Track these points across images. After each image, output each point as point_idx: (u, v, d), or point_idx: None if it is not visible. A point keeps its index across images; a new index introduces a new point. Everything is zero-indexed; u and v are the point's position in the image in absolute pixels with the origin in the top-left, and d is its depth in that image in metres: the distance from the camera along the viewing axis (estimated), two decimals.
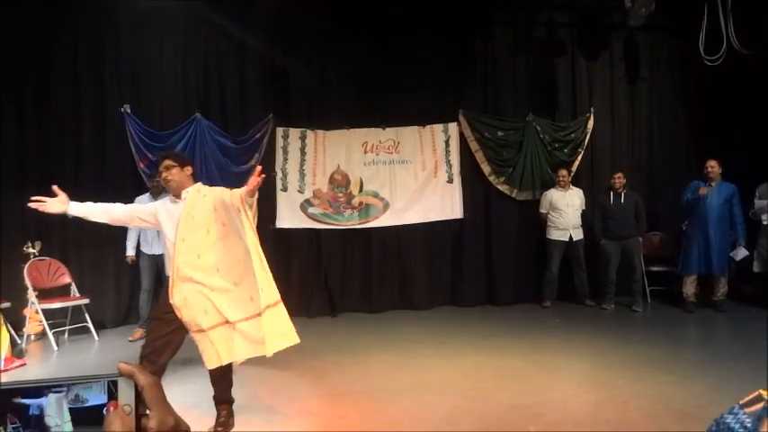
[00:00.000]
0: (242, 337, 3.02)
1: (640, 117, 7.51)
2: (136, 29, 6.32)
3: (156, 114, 6.40)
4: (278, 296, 3.08)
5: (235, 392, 4.09)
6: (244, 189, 2.98)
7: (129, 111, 6.19)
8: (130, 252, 5.73)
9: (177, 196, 3.24)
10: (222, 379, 3.38)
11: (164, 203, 3.32)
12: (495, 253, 7.00)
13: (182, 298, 3.07)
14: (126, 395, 0.60)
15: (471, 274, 6.96)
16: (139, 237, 5.73)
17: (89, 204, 3.20)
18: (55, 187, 3.08)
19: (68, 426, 0.60)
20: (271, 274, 3.05)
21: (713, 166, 6.27)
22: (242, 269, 3.05)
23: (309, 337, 5.68)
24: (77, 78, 6.18)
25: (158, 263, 5.60)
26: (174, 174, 3.21)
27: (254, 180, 2.94)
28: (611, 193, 6.63)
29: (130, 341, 5.50)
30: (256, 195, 3.02)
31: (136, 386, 0.60)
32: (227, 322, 3.04)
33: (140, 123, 6.21)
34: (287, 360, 4.81)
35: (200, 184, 3.32)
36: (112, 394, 0.61)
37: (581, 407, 3.73)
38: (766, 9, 6.13)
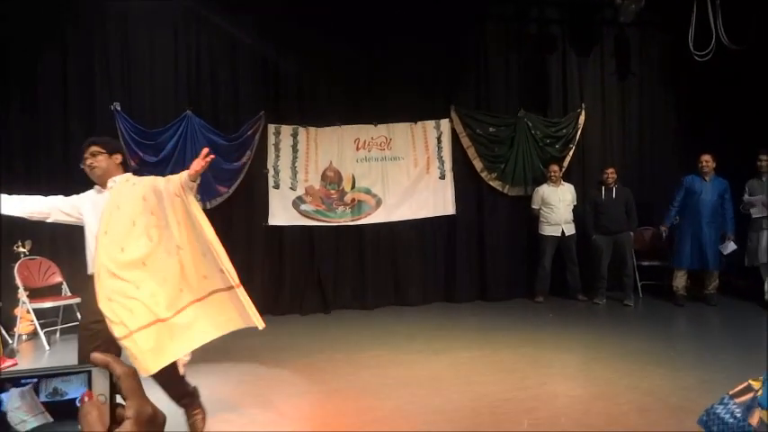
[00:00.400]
0: (180, 330, 2.83)
1: (631, 112, 7.55)
2: (125, 25, 6.27)
3: (147, 112, 6.35)
4: (231, 281, 2.97)
5: (228, 390, 4.09)
6: (185, 173, 2.85)
7: (119, 108, 6.15)
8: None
9: (103, 185, 3.00)
10: (169, 380, 3.02)
11: (88, 195, 3.07)
12: (488, 249, 7.02)
13: (105, 298, 2.76)
14: (100, 385, 0.59)
15: (464, 269, 6.98)
16: None
17: (2, 196, 2.95)
18: None
19: (33, 422, 0.58)
20: (225, 258, 2.97)
21: (708, 161, 6.31)
22: (177, 260, 2.90)
23: (303, 334, 5.71)
24: (65, 76, 6.13)
25: None
26: (100, 161, 2.96)
27: (199, 162, 2.80)
28: (603, 188, 6.67)
29: None
30: (198, 180, 2.88)
31: (111, 376, 0.60)
32: (159, 320, 2.80)
33: (131, 121, 6.17)
34: (280, 357, 4.82)
35: (129, 173, 3.09)
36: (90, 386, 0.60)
37: (573, 401, 3.76)
38: (755, 4, 6.18)
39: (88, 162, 2.97)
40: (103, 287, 2.78)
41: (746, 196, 6.31)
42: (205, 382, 4.22)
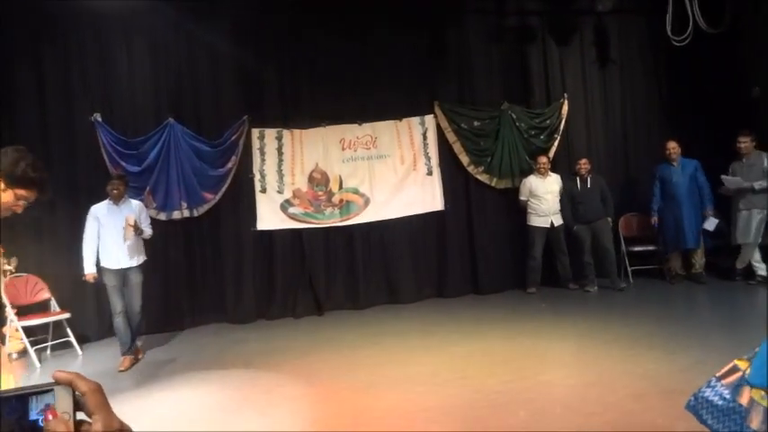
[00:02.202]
0: None
1: (613, 100, 7.60)
2: (102, 33, 6.19)
3: (128, 121, 6.28)
4: None
5: (224, 397, 4.06)
6: None
7: (99, 119, 6.08)
8: (88, 269, 4.91)
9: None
10: None
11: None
12: (478, 242, 7.04)
13: None
14: (64, 403, 0.59)
15: (455, 264, 6.98)
16: (98, 249, 4.96)
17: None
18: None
19: None
20: None
21: (674, 147, 6.58)
22: None
23: (297, 337, 5.70)
24: (42, 88, 6.02)
25: (125, 278, 5.00)
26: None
27: None
28: (578, 179, 6.75)
29: (121, 371, 4.85)
30: None
31: (73, 393, 0.60)
32: None
33: (112, 131, 6.10)
34: (275, 361, 4.80)
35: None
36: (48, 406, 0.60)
37: (570, 389, 3.77)
38: None
39: (19, 211, 2.25)
40: None
41: (726, 177, 6.40)
42: (199, 391, 4.20)
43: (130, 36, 6.31)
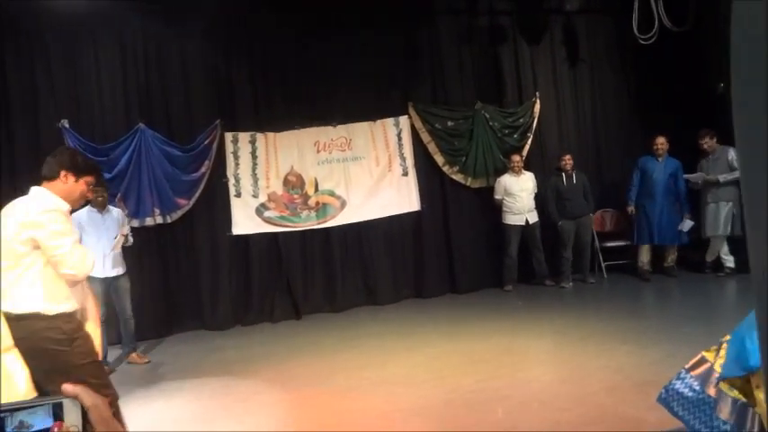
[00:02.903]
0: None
1: (583, 98, 7.71)
2: (68, 36, 6.05)
3: (97, 127, 6.16)
4: None
5: (199, 406, 4.01)
6: None
7: (66, 125, 5.95)
8: None
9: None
10: None
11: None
12: (455, 242, 7.08)
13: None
14: (72, 416, 0.60)
15: (432, 264, 7.01)
16: None
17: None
18: None
19: None
20: None
21: (662, 143, 6.65)
22: None
23: (274, 342, 5.66)
24: (6, 93, 5.87)
25: (111, 287, 5.09)
26: None
27: None
28: (563, 175, 6.82)
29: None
30: None
31: (82, 407, 0.60)
32: None
33: (80, 137, 5.97)
34: (252, 368, 4.76)
35: None
36: (58, 417, 0.60)
37: (545, 385, 3.82)
38: None
39: (90, 195, 3.04)
40: None
41: (693, 175, 6.56)
42: (174, 401, 4.14)
43: (98, 39, 6.19)
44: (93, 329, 2.81)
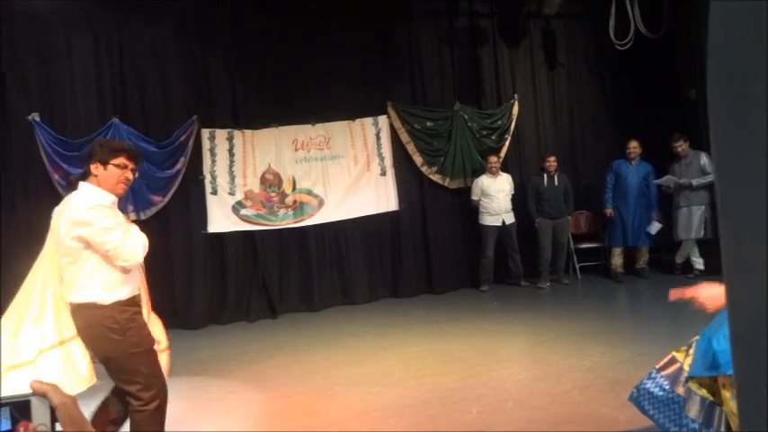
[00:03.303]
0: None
1: (561, 101, 7.81)
2: (39, 29, 5.91)
3: (70, 121, 6.02)
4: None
5: (172, 405, 3.94)
6: None
7: (37, 119, 5.80)
8: None
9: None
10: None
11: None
12: (432, 242, 7.10)
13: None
14: (41, 414, 0.58)
15: (410, 264, 7.02)
16: None
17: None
18: None
19: None
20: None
21: (635, 147, 6.78)
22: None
23: (250, 341, 5.60)
24: None
25: None
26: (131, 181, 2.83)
27: None
28: (545, 176, 6.89)
29: None
30: None
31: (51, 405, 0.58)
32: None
33: (52, 132, 5.84)
34: (227, 367, 4.71)
35: None
36: (16, 419, 0.57)
37: (520, 384, 3.86)
38: None
39: (128, 176, 2.73)
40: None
41: (664, 179, 6.70)
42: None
43: (71, 31, 6.05)
44: (146, 316, 2.88)
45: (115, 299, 2.65)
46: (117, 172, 2.67)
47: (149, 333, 2.79)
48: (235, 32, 6.49)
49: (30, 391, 0.60)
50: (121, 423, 2.88)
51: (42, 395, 0.58)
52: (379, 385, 3.97)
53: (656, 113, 7.14)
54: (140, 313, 2.79)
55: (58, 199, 5.56)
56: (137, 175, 2.87)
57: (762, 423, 0.45)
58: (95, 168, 2.66)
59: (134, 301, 2.76)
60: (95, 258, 2.63)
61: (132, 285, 2.75)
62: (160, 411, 2.73)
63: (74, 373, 2.64)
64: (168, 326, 6.42)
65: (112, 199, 2.71)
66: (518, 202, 7.00)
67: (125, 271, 2.69)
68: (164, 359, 2.94)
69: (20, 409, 0.58)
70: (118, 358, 2.65)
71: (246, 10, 6.38)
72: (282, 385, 4.18)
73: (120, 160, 2.67)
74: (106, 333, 2.62)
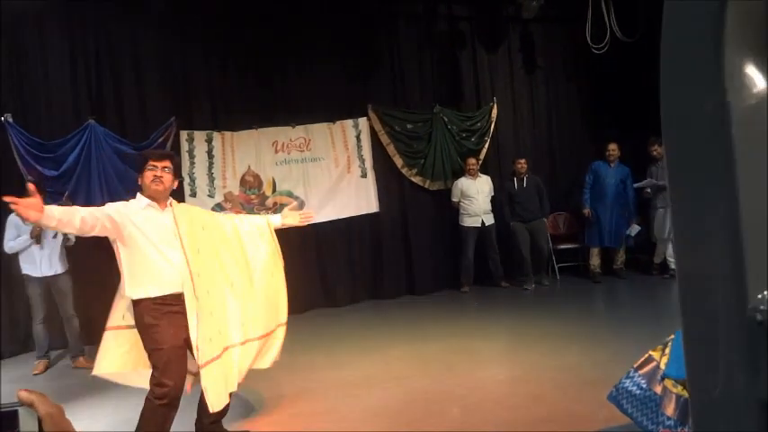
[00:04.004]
0: (228, 367, 3.08)
1: (539, 104, 7.91)
2: (12, 28, 5.78)
3: (44, 122, 5.90)
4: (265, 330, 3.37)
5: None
6: (275, 220, 3.46)
7: (10, 120, 5.67)
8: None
9: (159, 201, 2.97)
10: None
11: (136, 208, 2.94)
12: (413, 243, 7.12)
13: (208, 314, 2.95)
14: (28, 424, 0.57)
15: (391, 266, 7.03)
16: (19, 256, 4.97)
17: (57, 209, 2.73)
18: (31, 186, 2.83)
19: None
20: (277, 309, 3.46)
21: (614, 149, 6.90)
22: (225, 296, 3.13)
23: None
24: None
25: (51, 286, 5.05)
26: (168, 178, 2.98)
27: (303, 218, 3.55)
28: (515, 179, 6.97)
29: (36, 374, 4.95)
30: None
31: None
32: (232, 345, 3.11)
33: (26, 133, 5.71)
34: None
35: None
36: (2, 430, 0.57)
37: (499, 385, 3.90)
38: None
39: (158, 174, 2.96)
40: (202, 307, 2.92)
41: (644, 182, 6.83)
42: (126, 406, 4.00)
43: (45, 30, 5.93)
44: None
45: (143, 296, 2.84)
46: (146, 174, 2.94)
47: (175, 334, 2.86)
48: (214, 33, 6.43)
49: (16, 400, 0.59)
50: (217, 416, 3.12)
51: (29, 405, 0.57)
52: (362, 388, 3.97)
53: (633, 116, 7.26)
54: (174, 312, 2.87)
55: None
56: (172, 173, 3.03)
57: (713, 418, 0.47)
58: (140, 180, 2.98)
59: (166, 300, 2.87)
60: (124, 257, 2.89)
61: (163, 285, 2.87)
62: (166, 410, 2.84)
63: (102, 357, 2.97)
64: None
65: (146, 202, 2.95)
66: (497, 203, 7.06)
67: (152, 270, 2.86)
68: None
69: (7, 418, 0.57)
70: (146, 351, 2.87)
71: (226, 11, 6.32)
72: (263, 389, 4.13)
73: (148, 163, 2.96)
74: (139, 327, 2.87)
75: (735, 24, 0.44)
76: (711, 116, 0.45)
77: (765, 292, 0.43)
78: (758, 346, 0.42)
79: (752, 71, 0.46)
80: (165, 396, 2.80)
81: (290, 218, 3.42)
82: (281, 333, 3.36)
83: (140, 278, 2.87)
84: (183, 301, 2.88)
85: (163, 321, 2.83)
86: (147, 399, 2.86)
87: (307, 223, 3.50)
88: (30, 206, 2.54)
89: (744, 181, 0.44)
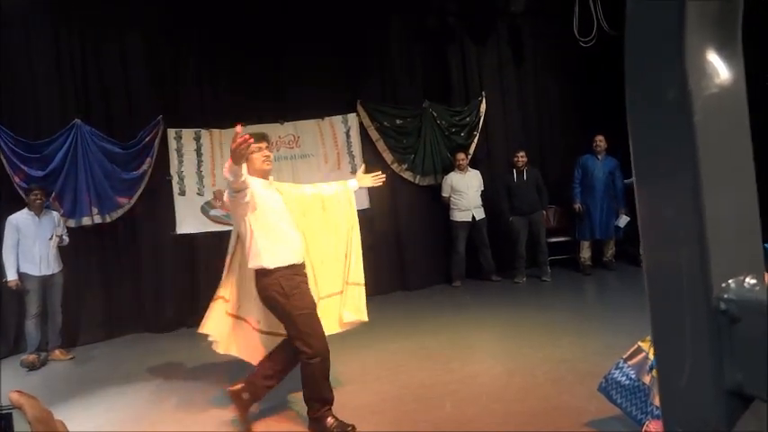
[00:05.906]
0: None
1: (528, 98, 7.92)
2: None
3: (30, 122, 5.85)
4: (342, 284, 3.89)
5: (141, 410, 3.88)
6: (351, 184, 3.76)
7: None
8: (12, 276, 5.02)
9: (265, 177, 3.29)
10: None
11: (256, 185, 3.17)
12: (404, 239, 7.13)
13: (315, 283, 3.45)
14: (22, 426, 0.56)
15: (382, 262, 7.03)
16: (19, 256, 5.06)
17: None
18: (239, 127, 2.91)
19: None
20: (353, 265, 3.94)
21: (600, 141, 6.94)
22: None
23: None
24: None
25: (47, 284, 5.16)
26: (271, 157, 3.30)
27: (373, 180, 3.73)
28: (515, 171, 6.96)
29: (27, 370, 5.02)
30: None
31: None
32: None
33: (11, 134, 5.66)
34: (198, 371, 4.64)
35: None
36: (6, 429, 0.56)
37: (493, 378, 3.91)
38: None
39: (267, 154, 3.25)
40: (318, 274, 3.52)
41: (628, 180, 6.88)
42: (116, 405, 3.98)
43: (30, 27, 5.86)
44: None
45: (280, 264, 3.11)
46: (261, 155, 3.20)
47: (311, 299, 3.24)
48: (201, 30, 6.39)
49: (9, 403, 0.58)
50: (285, 372, 3.42)
51: (18, 408, 0.56)
52: (356, 383, 3.98)
53: (621, 110, 7.27)
54: (305, 281, 3.26)
55: (19, 202, 5.41)
56: (272, 150, 3.39)
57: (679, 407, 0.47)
58: (246, 162, 3.07)
59: (297, 269, 3.20)
60: (257, 229, 3.11)
61: (291, 254, 3.18)
62: (324, 364, 3.17)
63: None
64: (137, 329, 6.36)
65: (261, 180, 3.20)
66: (488, 197, 7.07)
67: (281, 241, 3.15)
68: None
69: (4, 420, 0.56)
70: (285, 319, 3.15)
71: (213, 9, 6.28)
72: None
73: (259, 143, 3.15)
74: (275, 296, 3.11)
75: (698, 13, 0.45)
76: (673, 104, 0.45)
77: (729, 281, 0.43)
78: (722, 335, 0.42)
79: (715, 60, 0.46)
80: (317, 355, 3.11)
81: (365, 180, 3.71)
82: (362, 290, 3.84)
83: (275, 248, 3.14)
84: (304, 269, 3.29)
85: (301, 288, 3.17)
86: (303, 363, 3.15)
87: (379, 184, 3.77)
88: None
89: (706, 169, 0.44)
